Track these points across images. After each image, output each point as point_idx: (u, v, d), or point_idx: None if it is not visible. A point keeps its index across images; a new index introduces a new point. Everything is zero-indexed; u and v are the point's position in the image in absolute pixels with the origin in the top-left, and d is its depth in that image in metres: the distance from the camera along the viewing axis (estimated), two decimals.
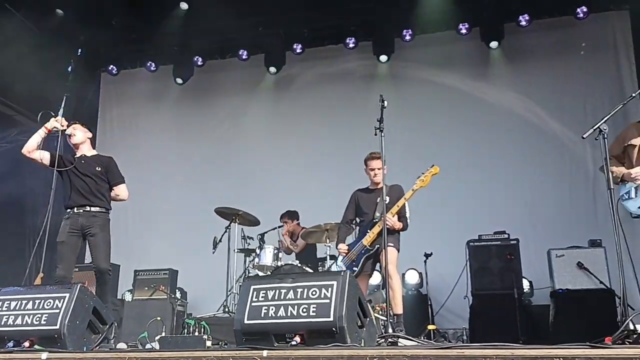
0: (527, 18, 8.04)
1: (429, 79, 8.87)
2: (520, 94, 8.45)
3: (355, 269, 5.10)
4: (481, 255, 6.67)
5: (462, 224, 7.65)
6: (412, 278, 7.33)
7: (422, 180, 5.00)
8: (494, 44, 8.27)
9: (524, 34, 8.33)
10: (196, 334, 4.89)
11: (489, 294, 6.50)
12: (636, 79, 7.86)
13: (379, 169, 5.01)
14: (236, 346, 3.22)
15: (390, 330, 3.70)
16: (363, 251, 5.10)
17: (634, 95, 3.86)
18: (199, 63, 9.32)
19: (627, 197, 4.26)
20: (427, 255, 7.06)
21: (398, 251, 5.05)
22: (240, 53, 9.11)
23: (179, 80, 9.35)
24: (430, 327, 6.63)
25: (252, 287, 3.27)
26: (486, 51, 8.42)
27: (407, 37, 8.54)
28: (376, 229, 4.98)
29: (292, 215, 7.58)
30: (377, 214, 5.02)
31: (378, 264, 5.20)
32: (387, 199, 4.88)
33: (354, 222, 5.55)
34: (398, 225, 5.02)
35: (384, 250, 4.44)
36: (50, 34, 9.03)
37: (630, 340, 3.25)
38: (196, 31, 9.09)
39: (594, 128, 3.65)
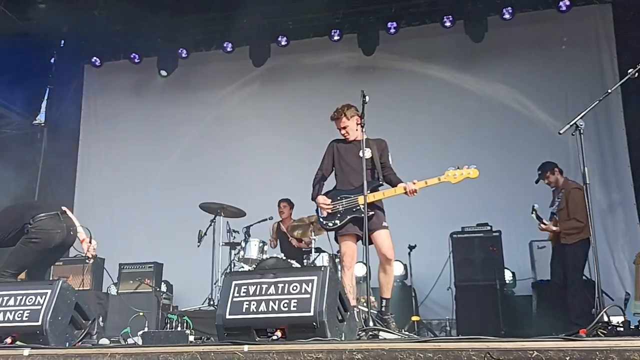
0: (510, 11, 8.09)
1: (414, 71, 8.94)
2: (506, 84, 8.53)
3: (337, 222, 4.65)
4: (464, 247, 6.78)
5: (445, 216, 7.72)
6: (397, 270, 7.38)
7: (454, 177, 4.48)
8: (478, 37, 8.31)
9: (507, 27, 8.38)
10: (179, 328, 4.90)
11: (471, 285, 6.61)
12: (617, 72, 7.94)
13: (343, 128, 4.81)
14: (218, 341, 3.24)
15: (371, 324, 3.74)
16: (354, 209, 4.58)
17: (609, 91, 3.91)
18: (183, 55, 9.26)
19: None
20: (411, 248, 7.11)
21: None
22: (224, 45, 9.07)
23: (163, 73, 9.30)
24: (414, 318, 6.72)
25: (234, 282, 3.29)
26: (470, 44, 8.44)
27: (392, 30, 8.55)
28: (378, 195, 4.57)
29: (290, 202, 7.58)
30: (380, 177, 4.66)
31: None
32: (368, 151, 4.66)
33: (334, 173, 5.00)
34: (416, 193, 4.55)
35: (378, 231, 4.41)
36: (33, 26, 8.94)
37: (605, 332, 3.32)
38: (181, 22, 9.04)
39: (570, 124, 3.71)
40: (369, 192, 4.37)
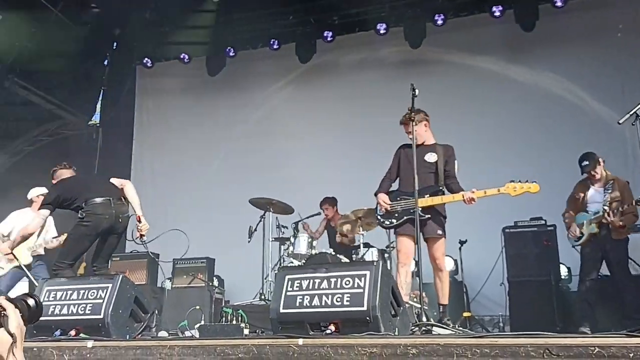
0: None
1: (463, 63, 8.79)
2: (558, 74, 8.28)
3: (393, 221, 4.74)
4: (517, 241, 6.60)
5: (497, 210, 7.51)
6: (447, 265, 7.21)
7: (514, 189, 4.60)
8: (528, 26, 8.10)
9: (560, 15, 8.13)
10: (234, 322, 5.01)
11: (525, 281, 6.44)
12: None
13: (408, 132, 4.78)
14: (273, 334, 3.29)
15: (424, 319, 3.72)
16: (412, 211, 4.53)
17: None
18: (231, 54, 9.41)
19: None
20: (461, 243, 7.01)
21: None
22: (271, 43, 9.16)
23: (212, 71, 9.47)
24: (466, 314, 6.63)
25: (287, 276, 3.34)
26: (521, 33, 8.25)
27: (439, 22, 8.43)
28: (436, 200, 4.59)
29: (332, 201, 7.61)
30: (440, 182, 4.71)
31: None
32: (434, 155, 4.75)
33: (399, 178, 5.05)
34: (474, 202, 4.60)
35: (431, 238, 4.49)
36: (87, 29, 9.27)
37: None
38: (228, 22, 9.19)
39: (630, 113, 3.60)
40: (428, 196, 4.55)
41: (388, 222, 4.81)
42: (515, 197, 7.43)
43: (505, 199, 7.45)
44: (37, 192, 6.40)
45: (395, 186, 5.08)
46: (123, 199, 4.90)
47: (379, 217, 4.89)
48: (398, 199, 4.81)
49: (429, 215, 4.55)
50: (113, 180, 5.07)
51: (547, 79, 8.32)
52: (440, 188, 4.70)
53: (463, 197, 4.55)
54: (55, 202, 4.83)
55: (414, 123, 4.57)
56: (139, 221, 4.82)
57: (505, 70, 8.58)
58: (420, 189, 4.47)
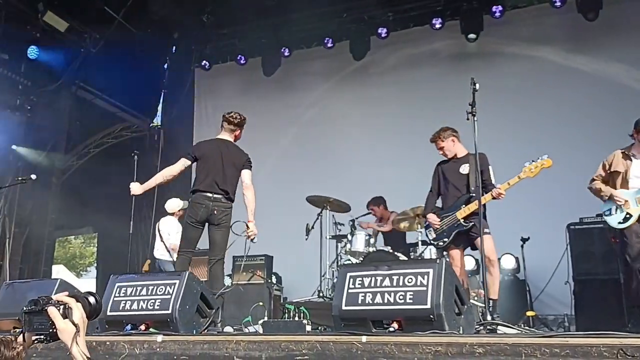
0: None
1: (523, 55, 8.55)
2: (625, 63, 7.93)
3: (445, 240, 5.02)
4: (583, 238, 6.38)
5: (561, 206, 7.32)
6: (508, 263, 7.13)
7: (530, 171, 4.75)
8: (591, 15, 7.79)
9: (624, 3, 7.80)
10: (296, 318, 5.07)
11: (592, 279, 6.23)
12: None
13: (440, 149, 5.17)
14: (335, 331, 3.31)
15: (488, 317, 3.66)
16: (456, 224, 4.94)
17: None
18: (286, 54, 9.51)
19: (608, 213, 5.05)
20: (524, 240, 6.84)
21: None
22: (325, 41, 9.19)
23: (267, 72, 9.59)
24: (530, 313, 6.46)
25: (349, 274, 3.35)
26: (584, 23, 7.94)
27: (497, 14, 8.24)
28: (472, 206, 4.80)
29: (377, 201, 7.54)
30: (472, 188, 4.88)
31: (469, 247, 5.12)
32: (468, 167, 4.96)
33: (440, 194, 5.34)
34: (503, 195, 4.80)
35: (480, 237, 4.42)
36: (147, 34, 9.58)
37: None
38: (283, 22, 9.29)
39: None
40: (464, 205, 4.89)
41: (442, 243, 5.08)
42: (581, 193, 7.23)
43: (569, 195, 7.30)
44: (178, 206, 6.98)
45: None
46: (227, 195, 5.13)
47: (432, 242, 5.21)
48: (440, 218, 5.10)
49: (473, 223, 4.82)
50: (244, 173, 5.38)
51: (613, 69, 7.98)
52: (472, 195, 4.87)
53: (492, 194, 4.76)
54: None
55: (441, 140, 5.10)
56: (247, 227, 5.12)
57: (567, 61, 8.28)
58: (456, 203, 4.95)
